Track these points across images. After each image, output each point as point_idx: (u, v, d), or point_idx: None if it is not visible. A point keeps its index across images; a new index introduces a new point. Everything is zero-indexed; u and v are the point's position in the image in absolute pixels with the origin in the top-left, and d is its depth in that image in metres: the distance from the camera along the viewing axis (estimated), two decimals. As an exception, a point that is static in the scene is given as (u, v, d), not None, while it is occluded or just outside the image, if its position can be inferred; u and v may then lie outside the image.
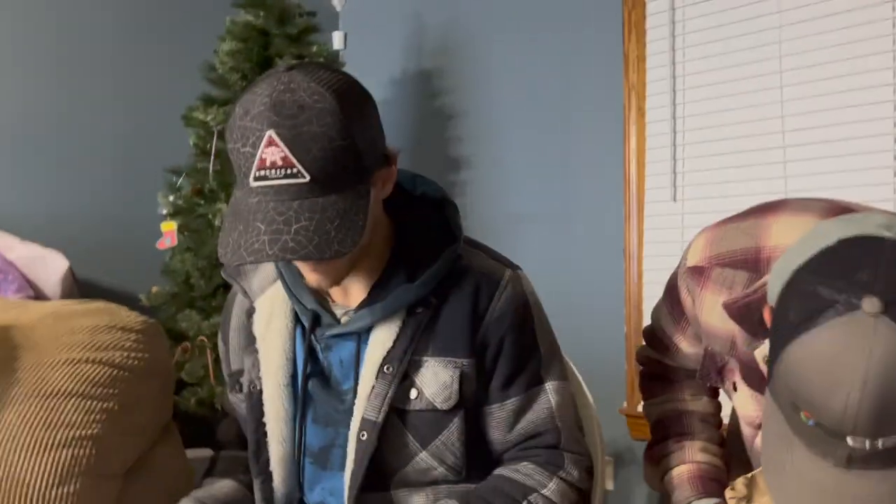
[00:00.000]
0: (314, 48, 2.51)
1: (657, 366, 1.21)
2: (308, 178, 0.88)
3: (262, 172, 0.88)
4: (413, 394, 1.02)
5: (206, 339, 2.24)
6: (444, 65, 3.05)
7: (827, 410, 0.66)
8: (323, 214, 0.89)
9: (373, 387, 1.01)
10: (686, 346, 1.13)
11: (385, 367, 1.01)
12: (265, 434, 1.06)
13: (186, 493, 1.12)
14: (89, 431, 0.97)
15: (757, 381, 0.99)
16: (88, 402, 0.99)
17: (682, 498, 1.11)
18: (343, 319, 1.05)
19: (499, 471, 1.07)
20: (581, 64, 2.60)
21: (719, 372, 1.04)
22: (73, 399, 0.98)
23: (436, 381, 1.02)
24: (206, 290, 2.38)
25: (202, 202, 2.40)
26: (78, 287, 2.20)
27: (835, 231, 0.73)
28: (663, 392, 1.20)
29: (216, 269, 2.35)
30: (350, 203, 0.91)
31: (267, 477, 1.06)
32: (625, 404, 2.45)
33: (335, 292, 1.07)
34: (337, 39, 2.91)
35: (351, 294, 1.06)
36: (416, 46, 3.16)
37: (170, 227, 2.42)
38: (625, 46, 2.47)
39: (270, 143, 0.86)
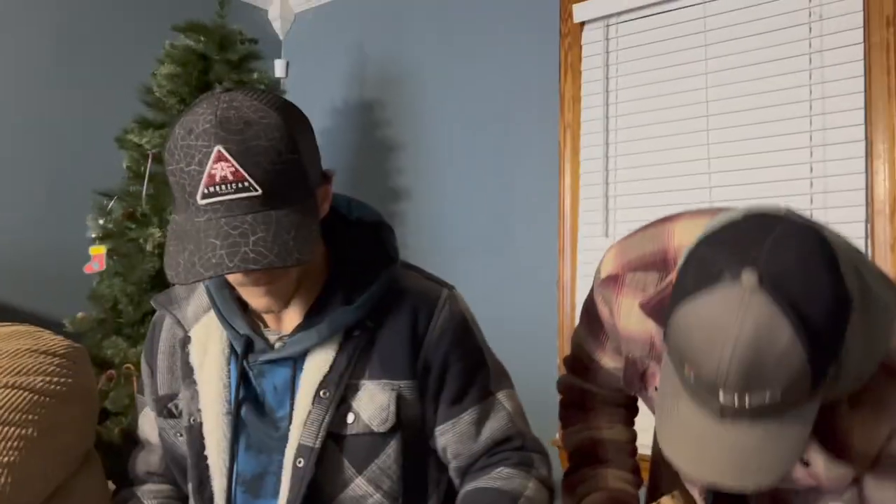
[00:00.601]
0: (255, 75, 2.50)
1: (576, 393, 1.24)
2: (260, 191, 0.87)
3: (212, 189, 0.86)
4: (350, 418, 1.01)
5: (132, 367, 2.17)
6: (386, 96, 3.08)
7: (704, 367, 0.75)
8: (278, 225, 0.88)
9: (309, 412, 1.00)
10: (607, 360, 1.14)
11: (321, 392, 1.01)
12: (207, 468, 1.04)
13: (107, 525, 1.08)
14: (5, 459, 0.93)
15: None
16: (6, 429, 0.95)
17: None
18: (277, 345, 1.05)
19: (474, 484, 1.06)
20: (519, 102, 2.67)
21: (641, 378, 1.07)
22: (-11, 425, 0.94)
23: (372, 403, 1.02)
24: (134, 317, 2.32)
25: (133, 226, 2.34)
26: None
27: (744, 210, 0.82)
28: (579, 421, 1.23)
29: (145, 295, 2.29)
30: (302, 215, 0.91)
31: None
32: (557, 436, 2.47)
33: (269, 318, 1.06)
34: (278, 67, 2.92)
35: (284, 319, 1.05)
36: (358, 77, 3.18)
37: (99, 252, 2.35)
38: (561, 86, 2.56)
39: (220, 158, 0.86)
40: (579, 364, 1.21)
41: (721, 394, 0.76)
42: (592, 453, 1.19)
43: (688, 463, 0.83)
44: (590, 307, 1.13)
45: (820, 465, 0.91)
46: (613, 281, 1.05)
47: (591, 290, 1.12)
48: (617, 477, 1.16)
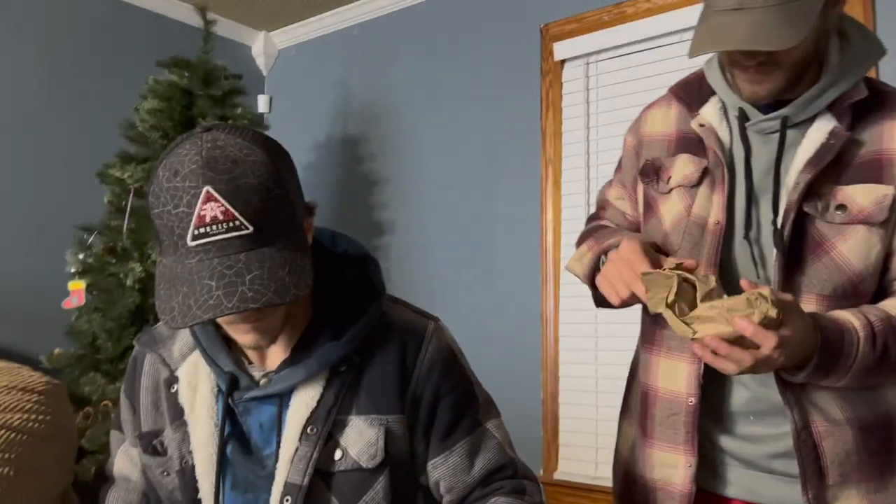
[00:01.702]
0: (238, 110, 2.52)
1: (591, 228, 1.34)
2: (251, 228, 0.87)
3: (202, 230, 0.86)
4: (338, 454, 1.00)
5: (110, 404, 2.13)
6: (369, 131, 3.11)
7: None
8: (272, 262, 0.88)
9: (296, 449, 0.99)
10: (613, 192, 1.34)
11: (309, 429, 0.99)
12: None
13: (83, 567, 1.05)
14: (-20, 499, 0.91)
15: (693, 147, 1.17)
16: (-19, 468, 0.93)
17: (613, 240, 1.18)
18: (262, 382, 1.03)
19: None
20: (502, 137, 2.70)
21: (657, 172, 1.20)
22: (-36, 465, 0.92)
23: (361, 439, 1.01)
24: (114, 353, 2.28)
25: (114, 261, 2.32)
26: (-28, 348, 2.07)
27: None
28: (600, 227, 1.33)
29: (125, 331, 2.26)
30: (293, 250, 0.91)
31: None
32: (541, 472, 2.46)
33: (253, 354, 1.05)
34: (262, 102, 2.93)
35: (269, 355, 1.04)
36: (341, 112, 3.21)
37: (78, 286, 2.32)
38: (542, 122, 2.59)
39: (209, 198, 0.85)
40: (596, 210, 1.40)
41: None
42: (619, 232, 1.25)
43: (714, 43, 0.99)
44: (618, 160, 1.36)
45: (857, 198, 1.04)
46: (654, 103, 1.29)
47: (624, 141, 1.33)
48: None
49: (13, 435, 0.98)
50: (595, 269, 1.21)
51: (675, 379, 1.14)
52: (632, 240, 1.12)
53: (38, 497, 0.99)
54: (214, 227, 0.86)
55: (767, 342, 0.92)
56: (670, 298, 0.99)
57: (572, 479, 2.39)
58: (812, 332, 0.98)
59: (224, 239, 0.86)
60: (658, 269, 1.03)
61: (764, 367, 0.96)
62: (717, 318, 0.95)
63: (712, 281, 0.99)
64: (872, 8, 2.01)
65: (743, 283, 0.98)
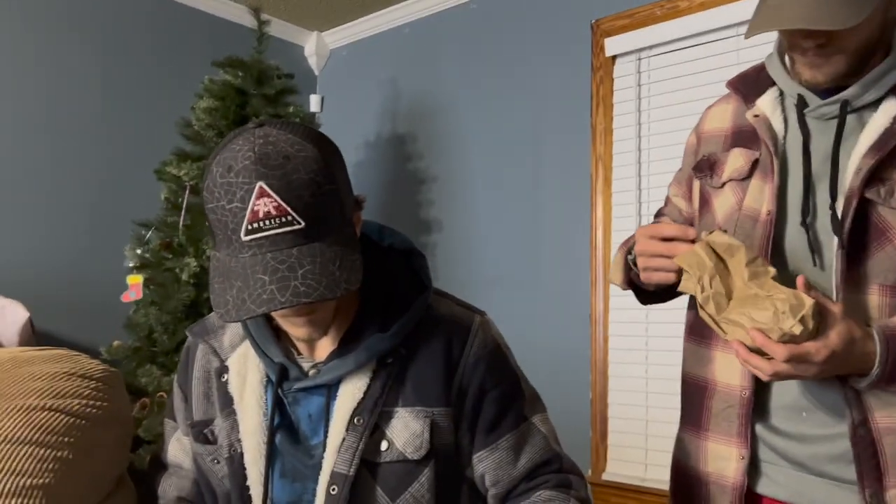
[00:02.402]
0: (290, 109, 2.55)
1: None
2: (303, 223, 0.88)
3: (256, 225, 0.87)
4: (384, 446, 1.01)
5: (165, 395, 2.19)
6: (418, 130, 3.12)
7: None
8: (323, 257, 0.89)
9: (343, 439, 1.00)
10: (673, 190, 1.35)
11: (356, 419, 1.01)
12: (250, 498, 1.03)
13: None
14: (41, 480, 0.94)
15: (747, 139, 1.17)
16: (42, 451, 0.96)
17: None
18: (311, 372, 1.05)
19: None
20: (551, 134, 2.68)
21: (711, 167, 1.20)
22: (26, 447, 0.95)
23: (406, 431, 1.01)
24: (169, 346, 2.34)
25: (170, 256, 2.38)
26: (37, 338, 2.15)
27: None
28: None
29: (180, 325, 2.32)
30: (344, 244, 0.92)
31: None
32: (589, 472, 2.43)
33: (302, 346, 1.06)
34: (314, 102, 2.96)
35: (318, 347, 1.06)
36: (391, 111, 3.23)
37: (136, 280, 2.39)
38: (592, 119, 2.56)
39: (262, 194, 0.87)
40: (660, 208, 1.40)
41: None
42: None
43: (771, 22, 0.98)
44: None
45: None
46: (715, 102, 1.29)
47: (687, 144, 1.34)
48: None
49: (72, 420, 1.02)
50: (628, 269, 1.20)
51: (730, 372, 1.13)
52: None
53: (94, 480, 1.03)
54: (267, 222, 0.87)
55: (777, 355, 0.94)
56: (705, 280, 1.00)
57: (621, 481, 2.36)
58: (862, 342, 0.97)
59: (277, 234, 0.88)
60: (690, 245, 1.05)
61: (789, 376, 0.97)
62: (745, 325, 0.98)
63: (759, 263, 1.00)
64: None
65: (799, 281, 0.97)
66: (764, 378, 0.99)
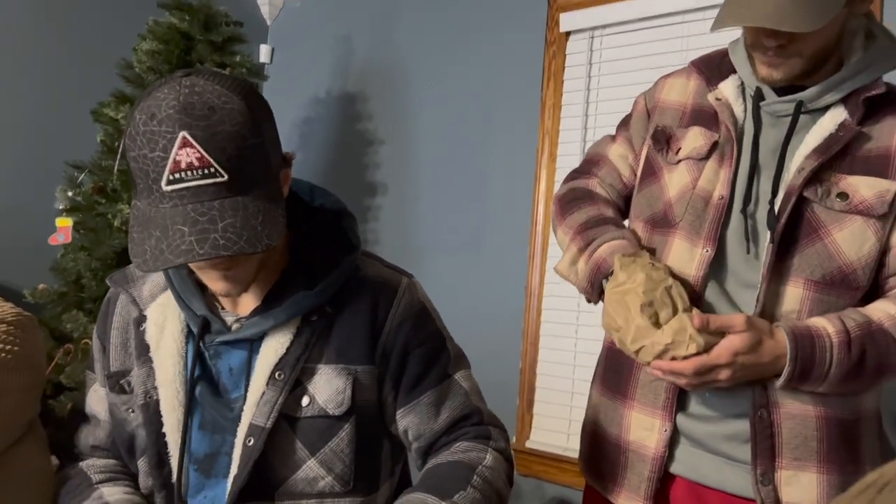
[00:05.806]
0: (238, 58, 2.49)
1: (580, 191, 1.33)
2: (226, 176, 0.87)
3: (177, 175, 0.86)
4: (305, 401, 1.02)
5: (90, 342, 2.15)
6: (369, 90, 3.08)
7: None
8: (246, 211, 0.88)
9: (263, 393, 1.01)
10: (616, 148, 1.33)
11: (276, 374, 1.01)
12: (166, 445, 1.03)
13: (47, 496, 1.06)
14: (-55, 422, 0.92)
15: (706, 120, 1.19)
16: (-54, 393, 0.94)
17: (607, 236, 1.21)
18: (234, 327, 1.05)
19: (433, 461, 1.07)
20: (501, 105, 2.68)
21: (668, 140, 1.22)
22: (-70, 388, 0.93)
23: (329, 387, 1.02)
24: (97, 293, 2.29)
25: (103, 201, 2.32)
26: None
27: None
28: (588, 204, 1.30)
29: (110, 271, 2.26)
30: (268, 200, 0.91)
31: (170, 489, 1.03)
32: (514, 439, 2.49)
33: (226, 300, 1.06)
34: (263, 52, 2.90)
35: (242, 302, 1.06)
36: (342, 69, 3.18)
37: (65, 224, 2.32)
38: (543, 93, 2.57)
39: (185, 144, 0.85)
40: (587, 162, 1.37)
41: None
42: (604, 222, 1.26)
43: (736, 19, 1.01)
44: (624, 119, 1.36)
45: (861, 188, 1.06)
46: (673, 73, 1.30)
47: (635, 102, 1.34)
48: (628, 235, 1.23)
49: (-19, 362, 0.99)
50: (591, 284, 1.20)
51: None
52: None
53: (3, 424, 1.01)
54: (189, 172, 0.86)
55: (686, 371, 1.04)
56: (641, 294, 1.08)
57: (543, 449, 2.43)
58: (772, 342, 1.03)
59: (199, 185, 0.87)
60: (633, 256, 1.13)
61: (706, 385, 1.06)
62: (650, 352, 1.08)
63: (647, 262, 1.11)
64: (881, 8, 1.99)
65: (695, 319, 1.04)
66: (687, 388, 1.08)
